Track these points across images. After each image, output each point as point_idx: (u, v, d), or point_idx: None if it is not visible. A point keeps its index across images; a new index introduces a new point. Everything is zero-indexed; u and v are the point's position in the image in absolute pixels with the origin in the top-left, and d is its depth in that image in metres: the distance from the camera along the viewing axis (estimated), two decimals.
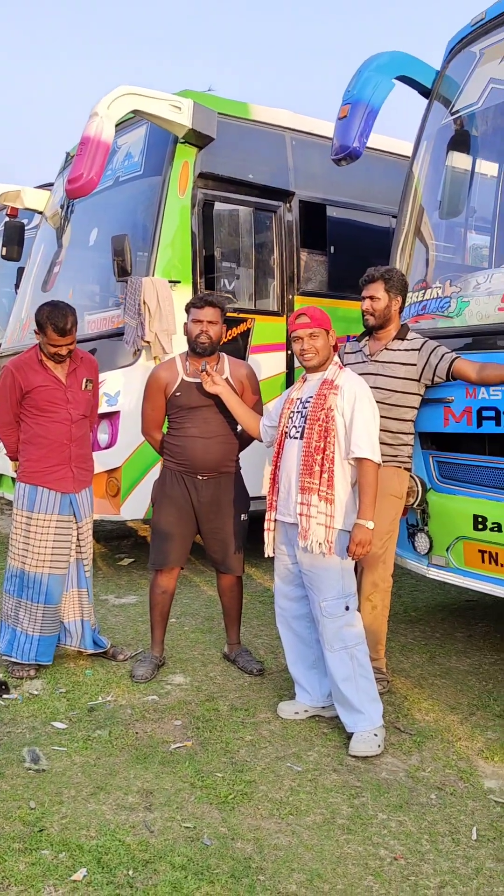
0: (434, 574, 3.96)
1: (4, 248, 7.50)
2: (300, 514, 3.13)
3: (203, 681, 3.80)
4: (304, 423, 3.21)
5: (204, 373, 3.61)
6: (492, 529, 3.59)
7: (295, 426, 3.26)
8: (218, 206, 5.59)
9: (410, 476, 3.82)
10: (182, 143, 5.29)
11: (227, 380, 3.72)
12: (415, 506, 3.89)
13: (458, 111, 4.26)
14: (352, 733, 3.13)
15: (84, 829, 2.56)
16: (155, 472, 3.99)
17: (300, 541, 3.14)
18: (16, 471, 3.98)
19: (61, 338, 3.66)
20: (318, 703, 3.41)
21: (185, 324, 3.77)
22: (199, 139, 5.28)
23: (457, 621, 4.75)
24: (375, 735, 3.09)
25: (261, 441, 3.65)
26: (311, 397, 3.23)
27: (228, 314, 5.46)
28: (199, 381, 3.67)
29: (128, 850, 2.45)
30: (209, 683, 3.76)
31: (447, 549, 3.85)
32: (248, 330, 5.71)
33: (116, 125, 4.91)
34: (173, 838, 2.52)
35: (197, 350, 3.69)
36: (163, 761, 3.01)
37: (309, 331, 3.22)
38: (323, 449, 3.13)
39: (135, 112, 5.02)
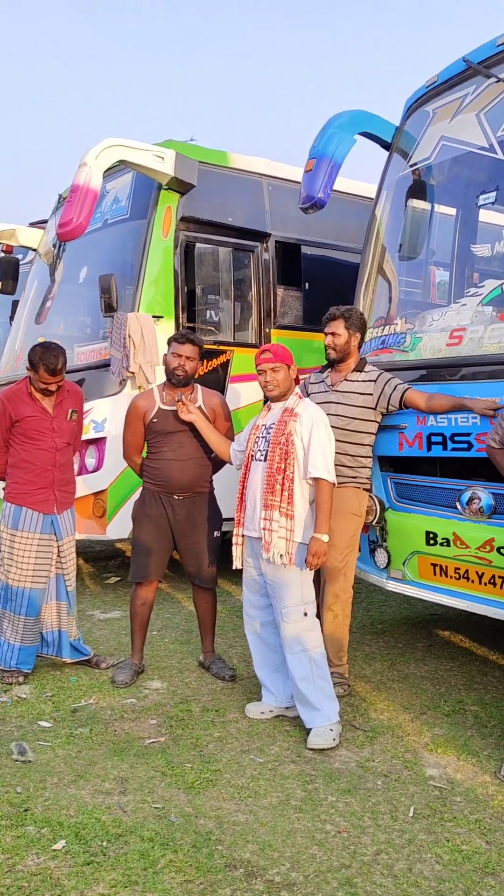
0: (393, 587, 4.30)
1: (0, 283, 7.90)
2: (264, 529, 3.49)
3: (179, 686, 4.11)
4: (268, 446, 3.57)
5: (179, 402, 3.98)
6: (441, 544, 3.94)
7: (260, 450, 3.62)
8: (199, 246, 6.01)
9: (370, 496, 4.18)
10: (165, 189, 5.72)
11: (200, 408, 4.09)
12: (374, 523, 4.25)
13: (414, 163, 4.67)
14: (310, 729, 3.45)
15: (64, 809, 2.87)
16: (139, 494, 4.34)
17: (263, 552, 3.49)
18: (1, 490, 4.31)
19: (52, 377, 4.02)
20: (282, 703, 3.73)
21: (165, 355, 4.14)
22: (181, 186, 5.71)
23: (419, 632, 5.08)
24: (331, 730, 3.42)
25: (231, 464, 4.00)
26: (273, 423, 3.60)
27: (209, 346, 5.87)
28: (174, 408, 4.04)
29: (103, 826, 2.76)
30: (184, 688, 4.08)
31: (404, 563, 4.19)
32: (228, 361, 6.10)
33: (104, 173, 5.32)
34: (143, 817, 2.83)
35: (172, 381, 4.06)
36: (138, 754, 3.32)
37: (271, 365, 3.60)
38: (283, 469, 3.49)
39: (121, 162, 5.44)
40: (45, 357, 3.98)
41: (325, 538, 3.48)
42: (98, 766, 3.21)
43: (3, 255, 8.04)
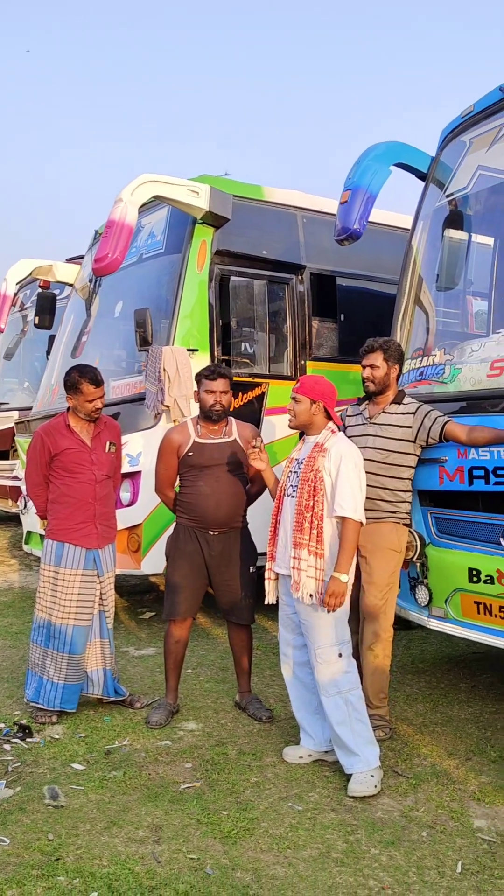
0: (434, 625, 4.16)
1: (37, 318, 8.00)
2: (293, 568, 3.39)
3: (214, 727, 4.01)
4: (298, 481, 3.48)
5: (255, 449, 3.78)
6: (485, 581, 3.80)
7: (291, 485, 3.55)
8: (234, 279, 6.00)
9: (410, 531, 4.07)
10: (200, 223, 5.73)
11: (235, 441, 4.03)
12: (414, 559, 4.13)
13: (451, 194, 4.62)
14: (350, 774, 3.32)
15: (97, 858, 2.78)
16: (173, 528, 4.28)
17: (293, 592, 3.39)
18: (44, 528, 4.29)
19: (96, 389, 4.02)
20: (321, 747, 3.60)
21: (197, 392, 4.10)
22: (215, 220, 5.72)
23: (462, 672, 4.91)
24: (372, 776, 3.28)
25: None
26: (304, 458, 3.52)
27: (244, 379, 5.84)
28: (210, 441, 3.99)
29: (136, 877, 2.66)
30: (220, 729, 3.97)
31: (445, 601, 4.06)
32: (263, 394, 6.05)
33: (140, 207, 5.36)
34: (178, 868, 2.73)
35: (213, 417, 4.01)
36: (172, 800, 3.22)
37: (294, 395, 3.55)
38: (312, 507, 3.39)
39: (156, 197, 5.47)
40: (84, 371, 4.03)
41: (345, 578, 3.34)
42: (132, 813, 3.12)
43: (40, 290, 8.16)
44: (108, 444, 4.22)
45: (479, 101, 4.48)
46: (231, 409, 4.14)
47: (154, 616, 6.35)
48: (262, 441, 3.83)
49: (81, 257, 7.85)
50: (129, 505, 5.53)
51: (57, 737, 3.87)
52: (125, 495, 5.56)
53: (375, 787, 3.26)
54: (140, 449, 5.51)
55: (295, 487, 3.49)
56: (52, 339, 7.93)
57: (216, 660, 5.17)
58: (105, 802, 3.20)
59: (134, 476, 5.51)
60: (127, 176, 5.38)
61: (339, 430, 3.60)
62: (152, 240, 6.14)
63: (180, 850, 2.85)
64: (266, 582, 3.62)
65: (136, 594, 7.25)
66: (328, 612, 3.35)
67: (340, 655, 3.39)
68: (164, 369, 5.41)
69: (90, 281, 6.95)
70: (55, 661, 4.07)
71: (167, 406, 5.47)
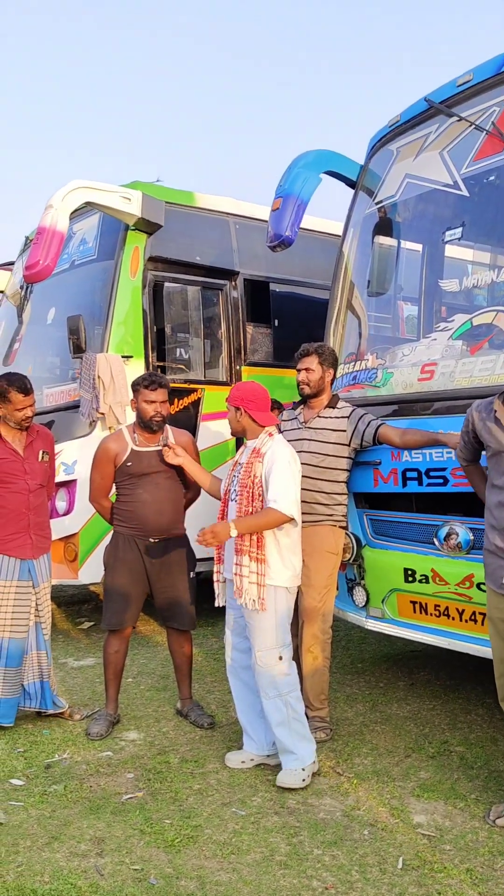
0: (372, 625, 4.22)
1: None
2: (235, 574, 3.40)
3: (156, 736, 3.98)
4: (239, 487, 3.51)
5: (166, 446, 3.89)
6: (420, 581, 3.88)
7: (234, 489, 3.56)
8: (167, 285, 5.99)
9: (346, 533, 4.12)
10: (133, 230, 5.71)
11: None
12: (351, 561, 4.19)
13: (380, 201, 4.71)
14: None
15: (38, 875, 2.73)
16: (111, 537, 4.25)
17: (236, 598, 3.41)
18: None
19: (25, 397, 3.93)
20: (263, 751, 3.61)
21: (133, 401, 4.07)
22: (148, 226, 5.70)
23: (400, 671, 4.99)
24: (303, 770, 3.36)
25: (218, 499, 3.86)
26: (244, 463, 3.54)
27: (181, 385, 5.84)
28: (148, 449, 3.97)
29: (79, 892, 2.62)
30: (161, 738, 3.95)
31: (382, 601, 4.13)
32: (199, 399, 6.06)
33: (71, 214, 5.30)
34: (122, 880, 2.70)
35: (153, 428, 3.98)
36: (114, 811, 3.19)
37: (227, 404, 3.59)
38: (251, 513, 3.41)
39: (87, 204, 5.43)
40: (11, 379, 3.94)
41: (235, 532, 3.32)
42: (73, 826, 3.07)
43: None
44: (41, 452, 4.15)
45: (406, 111, 4.58)
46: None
47: (93, 626, 6.27)
48: (168, 438, 3.97)
49: (12, 264, 7.71)
50: (65, 514, 5.46)
51: None
52: (61, 504, 5.48)
53: (303, 780, 3.34)
54: (75, 457, 5.44)
55: (236, 492, 3.51)
56: None
57: (157, 668, 5.13)
58: (46, 817, 3.15)
59: (70, 485, 5.44)
60: (59, 181, 5.32)
61: (277, 432, 3.62)
62: (84, 246, 6.09)
63: (123, 861, 2.82)
64: (215, 584, 3.64)
65: (74, 604, 7.15)
66: (198, 543, 3.40)
67: (281, 658, 3.42)
68: (99, 376, 5.36)
69: (21, 288, 6.83)
70: None
71: (102, 414, 5.42)
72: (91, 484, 4.14)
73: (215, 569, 3.65)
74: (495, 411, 2.99)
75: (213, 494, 3.93)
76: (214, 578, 3.65)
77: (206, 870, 2.76)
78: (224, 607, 3.66)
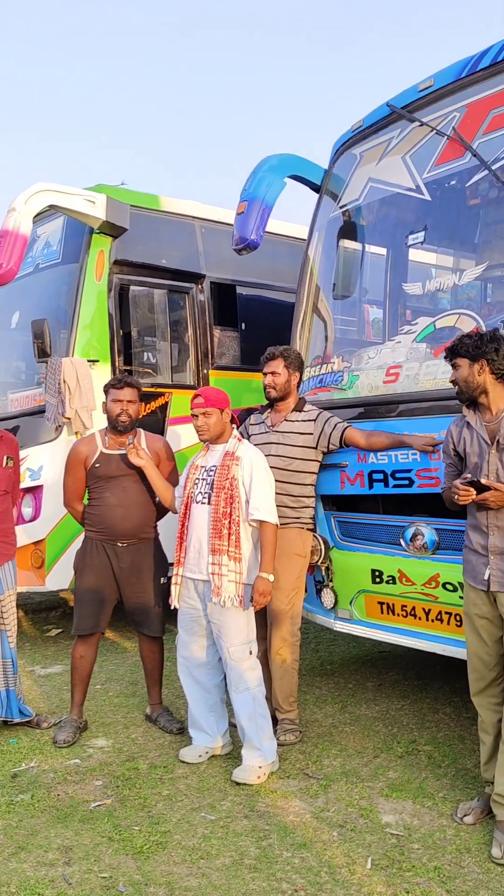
0: (340, 627, 4.24)
1: None
2: (213, 574, 3.44)
3: (125, 742, 3.96)
4: (211, 490, 3.52)
5: (130, 446, 3.90)
6: (387, 582, 3.91)
7: (201, 492, 3.57)
8: (133, 289, 5.97)
9: (314, 536, 4.14)
10: (97, 233, 5.67)
11: (143, 451, 4.01)
12: (319, 563, 4.20)
13: (344, 205, 4.74)
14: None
15: (5, 885, 2.69)
16: (78, 542, 4.21)
17: (214, 597, 3.43)
18: None
19: None
20: (213, 742, 3.71)
21: (104, 403, 4.05)
22: (113, 229, 5.67)
23: (369, 672, 5.02)
24: (260, 767, 3.44)
25: (175, 512, 3.90)
26: (215, 466, 3.55)
27: (148, 389, 5.81)
28: (117, 452, 3.95)
29: None
30: (130, 744, 3.93)
31: (350, 603, 4.15)
32: (167, 403, 6.03)
33: (35, 217, 5.25)
34: (90, 888, 2.68)
35: (119, 428, 3.97)
36: (83, 819, 3.16)
37: (202, 410, 3.58)
38: (230, 514, 3.47)
39: (51, 207, 5.38)
40: None
41: (272, 578, 3.51)
42: (41, 836, 3.04)
43: None
44: (5, 458, 4.10)
45: (368, 116, 4.61)
46: (137, 421, 4.11)
47: (61, 633, 6.21)
48: (135, 438, 3.99)
49: None
50: (31, 520, 5.41)
51: None
52: (27, 510, 5.43)
53: (259, 778, 3.40)
54: (42, 462, 5.39)
55: (205, 494, 3.55)
56: None
57: (126, 674, 5.10)
58: (12, 827, 3.11)
59: (36, 490, 5.39)
60: (23, 183, 5.28)
61: (241, 436, 3.68)
62: (49, 249, 6.04)
63: (91, 869, 2.80)
64: (173, 587, 3.66)
65: (41, 611, 7.08)
66: (255, 609, 3.51)
67: (251, 653, 3.53)
68: (65, 381, 5.32)
69: None
70: None
71: (68, 418, 5.38)
72: (64, 488, 4.11)
73: (175, 571, 3.67)
74: (465, 416, 3.03)
75: (167, 506, 3.94)
76: (174, 581, 3.69)
77: (176, 875, 2.74)
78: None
